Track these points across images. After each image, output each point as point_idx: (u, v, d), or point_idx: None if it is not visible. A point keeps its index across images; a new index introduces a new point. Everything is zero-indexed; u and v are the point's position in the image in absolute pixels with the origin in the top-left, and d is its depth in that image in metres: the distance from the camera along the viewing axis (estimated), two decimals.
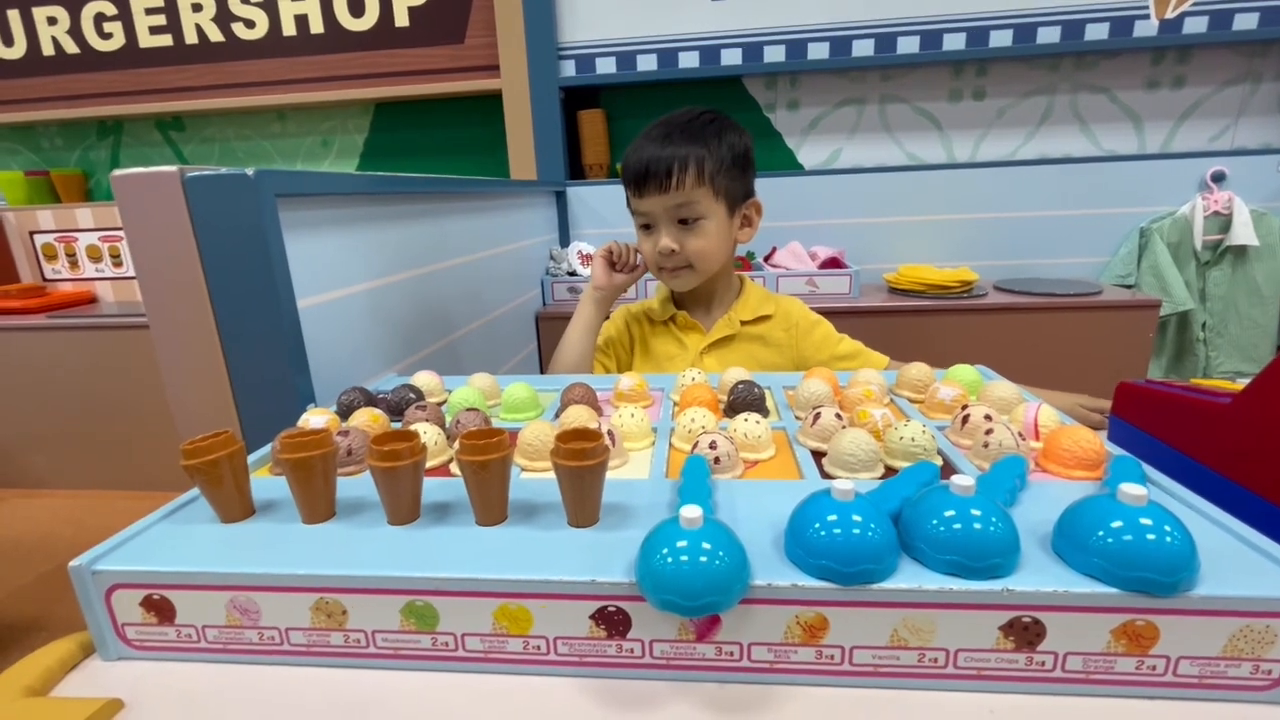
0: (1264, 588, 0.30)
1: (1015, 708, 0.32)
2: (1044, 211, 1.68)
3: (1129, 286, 1.62)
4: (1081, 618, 0.31)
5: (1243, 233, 1.54)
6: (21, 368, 1.63)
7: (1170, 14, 1.52)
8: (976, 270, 1.60)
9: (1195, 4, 1.51)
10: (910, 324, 1.48)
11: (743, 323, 0.88)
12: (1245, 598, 0.30)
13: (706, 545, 0.31)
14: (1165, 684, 0.32)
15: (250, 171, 0.58)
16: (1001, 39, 1.58)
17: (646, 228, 0.83)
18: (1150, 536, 0.31)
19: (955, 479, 0.34)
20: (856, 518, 0.33)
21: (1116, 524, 0.32)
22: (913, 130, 1.77)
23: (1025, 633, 0.32)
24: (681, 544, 0.31)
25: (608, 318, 0.95)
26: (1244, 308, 1.60)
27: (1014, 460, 0.42)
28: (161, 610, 0.37)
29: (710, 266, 0.83)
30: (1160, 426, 0.54)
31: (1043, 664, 0.32)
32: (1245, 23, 1.50)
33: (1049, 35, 1.56)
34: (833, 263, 1.59)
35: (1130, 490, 0.32)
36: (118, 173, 0.59)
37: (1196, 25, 1.52)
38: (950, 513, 0.33)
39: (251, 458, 0.51)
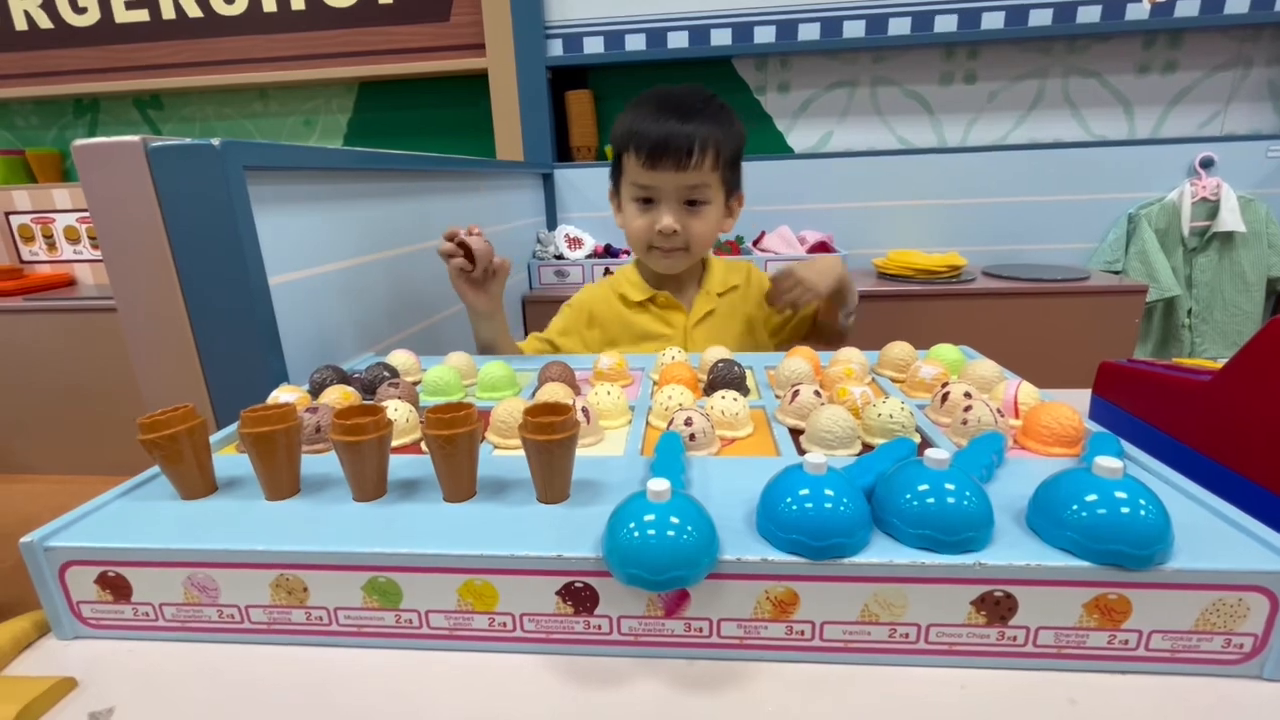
0: (1236, 560, 0.30)
1: (987, 682, 0.31)
2: (1034, 197, 1.67)
3: (1117, 272, 1.62)
4: (1054, 592, 0.31)
5: (1230, 219, 1.54)
6: (0, 351, 1.60)
7: None
8: (966, 255, 1.60)
9: None
10: (898, 309, 1.48)
11: (718, 295, 0.88)
12: (1218, 570, 0.30)
13: (674, 519, 0.31)
14: (1138, 658, 0.31)
15: (216, 142, 0.56)
16: (993, 21, 1.57)
17: (646, 201, 0.79)
18: (1124, 510, 0.30)
19: (930, 452, 0.34)
20: (828, 491, 0.33)
21: (1090, 497, 0.31)
22: (904, 113, 1.75)
23: (997, 607, 0.31)
24: (649, 517, 0.31)
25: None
26: (1229, 294, 1.60)
27: (992, 436, 0.42)
28: (117, 588, 0.36)
29: (703, 251, 0.82)
30: (1141, 405, 0.54)
31: (1014, 639, 0.32)
32: (1237, 5, 1.49)
33: (1041, 18, 1.55)
34: (821, 247, 1.58)
35: (1105, 463, 0.32)
36: (78, 142, 0.58)
37: (1188, 8, 1.51)
38: (924, 486, 0.33)
39: (219, 435, 0.50)
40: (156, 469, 0.43)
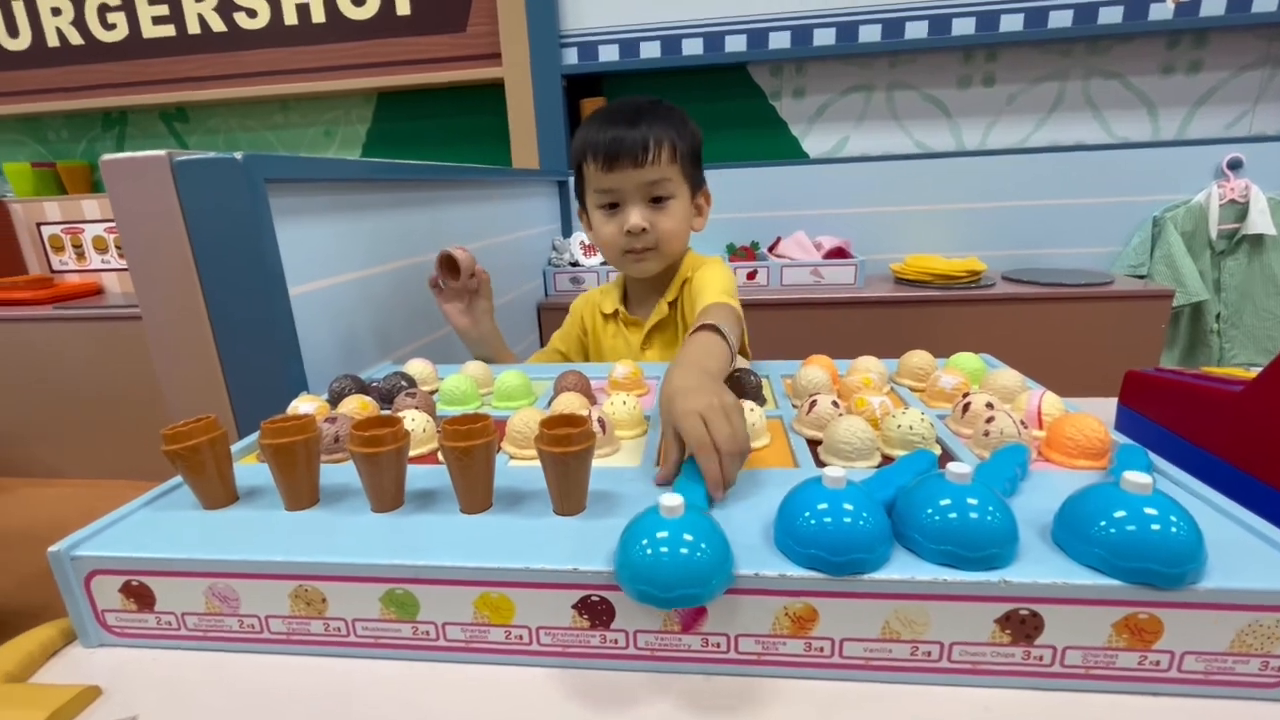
0: (1273, 580, 0.29)
1: (1013, 703, 0.31)
2: (1055, 200, 1.65)
3: (1142, 277, 1.59)
4: (1081, 610, 0.30)
5: (1260, 221, 1.50)
6: (30, 358, 1.64)
7: None
8: (985, 260, 1.57)
9: None
10: (917, 315, 1.46)
11: (669, 304, 0.84)
12: (1253, 591, 0.29)
13: (687, 536, 0.30)
14: (1170, 680, 0.31)
15: (239, 156, 0.57)
16: (1012, 23, 1.54)
17: (611, 207, 0.79)
18: (1154, 526, 0.30)
19: (951, 466, 0.33)
20: (847, 506, 0.32)
21: (1119, 513, 0.30)
22: (921, 118, 1.74)
23: (1023, 625, 0.31)
24: (661, 534, 0.30)
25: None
26: (1260, 298, 1.56)
27: (1015, 449, 0.41)
28: (141, 597, 0.36)
29: (675, 249, 0.80)
30: (1169, 415, 0.53)
31: (1041, 658, 0.31)
32: (1265, 4, 1.46)
33: (1061, 19, 1.53)
34: (838, 252, 1.57)
35: (1134, 478, 0.31)
36: (107, 157, 0.59)
37: (1214, 7, 1.48)
38: (945, 501, 0.32)
39: (241, 445, 0.50)
40: (179, 478, 0.44)
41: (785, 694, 0.32)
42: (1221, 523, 0.34)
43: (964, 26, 1.56)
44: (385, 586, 0.34)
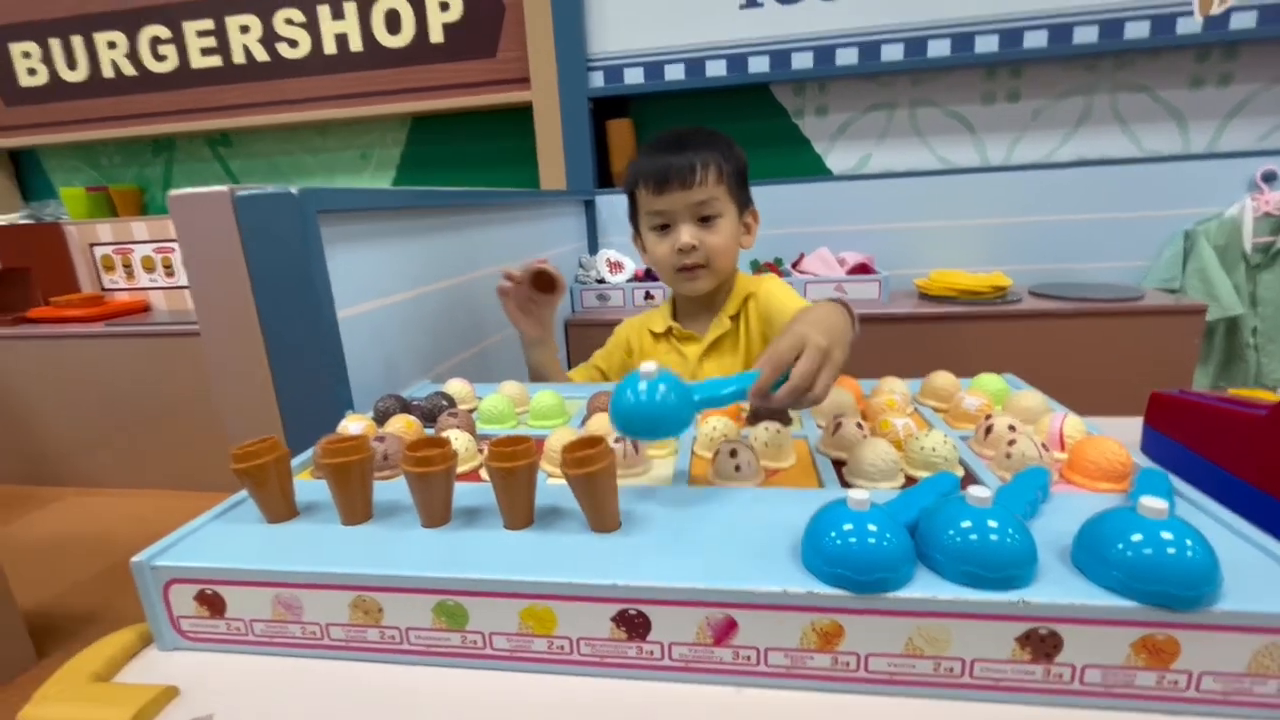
0: None
1: (1035, 719, 0.32)
2: (1083, 215, 1.63)
3: (1174, 291, 1.57)
4: (1099, 630, 0.31)
5: None
6: (82, 373, 1.73)
7: (1216, 10, 1.47)
8: (1012, 275, 1.57)
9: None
10: (941, 331, 1.46)
11: (730, 318, 0.88)
12: (1269, 614, 0.30)
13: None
14: (1188, 699, 0.32)
15: (295, 190, 0.61)
16: (1036, 40, 1.55)
17: (663, 228, 0.84)
18: (1170, 550, 0.31)
19: (972, 490, 0.35)
20: (871, 527, 0.34)
21: (1136, 537, 0.32)
22: (944, 133, 1.74)
23: (1042, 644, 0.32)
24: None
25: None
26: None
27: (1036, 472, 0.42)
28: (213, 604, 0.39)
29: (725, 266, 0.84)
30: (1194, 438, 0.53)
31: (1060, 676, 0.32)
32: None
33: (1086, 35, 1.53)
34: (862, 268, 1.58)
35: (1150, 503, 0.32)
36: (174, 193, 0.63)
37: (1244, 20, 1.47)
38: (967, 523, 0.34)
39: (294, 461, 0.54)
40: (243, 494, 0.47)
41: (814, 706, 0.33)
42: (1239, 546, 0.35)
43: (987, 44, 1.57)
44: (437, 598, 0.36)
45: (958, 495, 0.36)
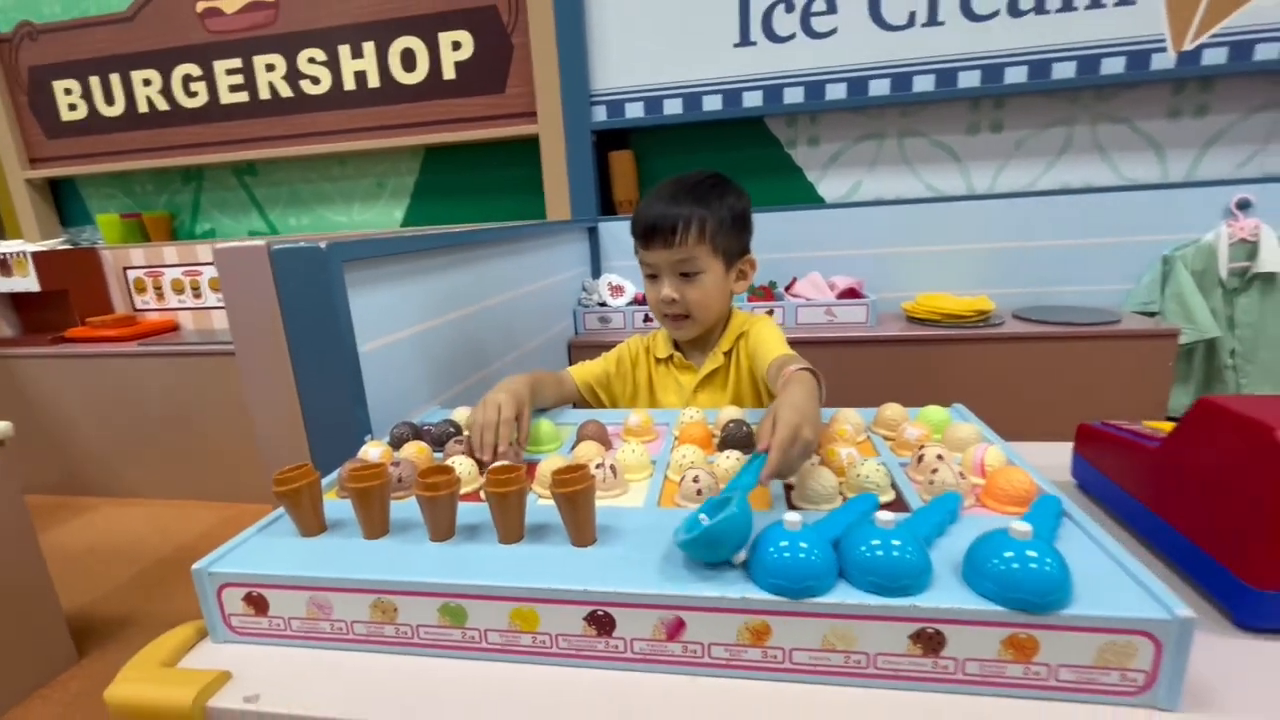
0: (1123, 609, 0.37)
1: (926, 704, 0.39)
2: (1065, 241, 1.70)
3: (1153, 314, 1.63)
4: (975, 630, 0.39)
5: (1271, 259, 1.53)
6: (115, 389, 1.84)
7: (1188, 46, 1.55)
8: (997, 299, 1.64)
9: (1214, 35, 1.53)
10: (927, 353, 1.52)
11: (724, 354, 0.93)
12: (1105, 617, 0.37)
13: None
14: (1050, 687, 0.39)
15: (323, 244, 0.70)
16: (1016, 75, 1.63)
17: (652, 276, 0.91)
18: (1032, 565, 0.38)
19: (879, 515, 0.42)
20: (802, 544, 0.41)
21: (1007, 554, 0.39)
22: (932, 162, 1.82)
23: (930, 641, 0.39)
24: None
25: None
26: (1275, 333, 1.58)
27: (949, 496, 0.50)
28: (258, 604, 0.48)
29: (707, 316, 0.90)
30: (1108, 466, 0.60)
31: (946, 667, 0.39)
32: (1267, 53, 1.51)
33: (1064, 70, 1.60)
34: (851, 293, 1.65)
35: (1018, 527, 0.40)
36: (218, 245, 0.73)
37: (1216, 57, 1.54)
38: (875, 541, 0.41)
39: (323, 481, 0.62)
40: (280, 511, 0.55)
41: (748, 692, 0.41)
42: (1102, 561, 0.43)
43: (970, 79, 1.65)
44: (442, 600, 0.44)
45: (870, 517, 0.43)
